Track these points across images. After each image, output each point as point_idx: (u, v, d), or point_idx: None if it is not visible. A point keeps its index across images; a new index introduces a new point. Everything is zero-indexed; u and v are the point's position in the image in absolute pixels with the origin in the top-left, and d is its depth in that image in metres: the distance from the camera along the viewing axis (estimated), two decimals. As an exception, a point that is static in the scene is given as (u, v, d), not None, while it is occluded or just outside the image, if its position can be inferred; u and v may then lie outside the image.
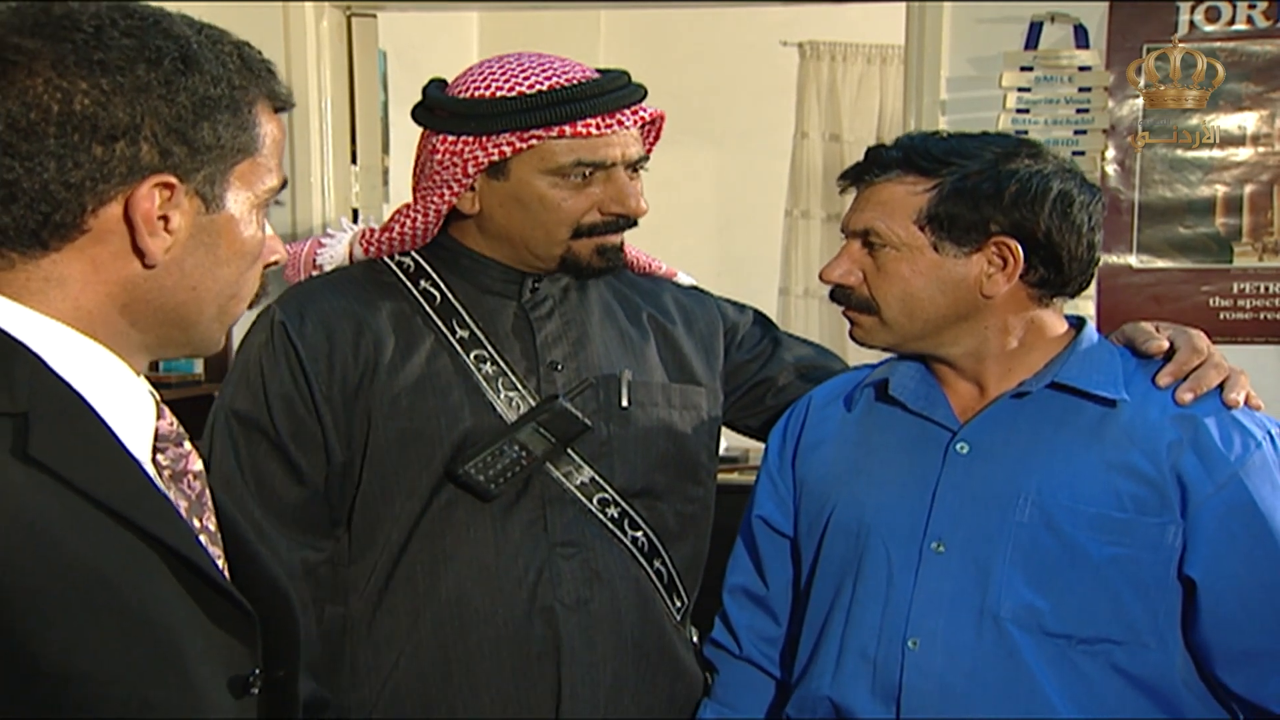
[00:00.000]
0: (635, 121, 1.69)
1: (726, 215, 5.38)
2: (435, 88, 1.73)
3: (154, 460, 1.05)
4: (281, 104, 1.07)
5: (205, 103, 0.99)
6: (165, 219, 0.99)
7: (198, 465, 1.09)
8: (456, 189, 1.69)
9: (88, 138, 0.95)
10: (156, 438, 1.05)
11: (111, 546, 0.95)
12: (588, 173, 1.66)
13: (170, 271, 1.01)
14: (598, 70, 1.70)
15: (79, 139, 0.95)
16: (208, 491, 1.10)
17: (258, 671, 1.07)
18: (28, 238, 0.97)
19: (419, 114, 1.72)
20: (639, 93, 1.70)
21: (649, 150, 1.78)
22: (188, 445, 1.09)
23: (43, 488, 0.93)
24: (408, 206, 1.75)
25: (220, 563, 1.08)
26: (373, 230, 1.79)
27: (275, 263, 1.11)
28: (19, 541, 0.90)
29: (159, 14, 1.01)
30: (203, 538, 1.07)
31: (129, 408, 1.02)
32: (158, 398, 1.07)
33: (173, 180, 0.98)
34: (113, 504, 0.96)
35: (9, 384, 0.95)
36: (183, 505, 1.06)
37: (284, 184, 1.09)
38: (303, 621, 1.14)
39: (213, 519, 1.10)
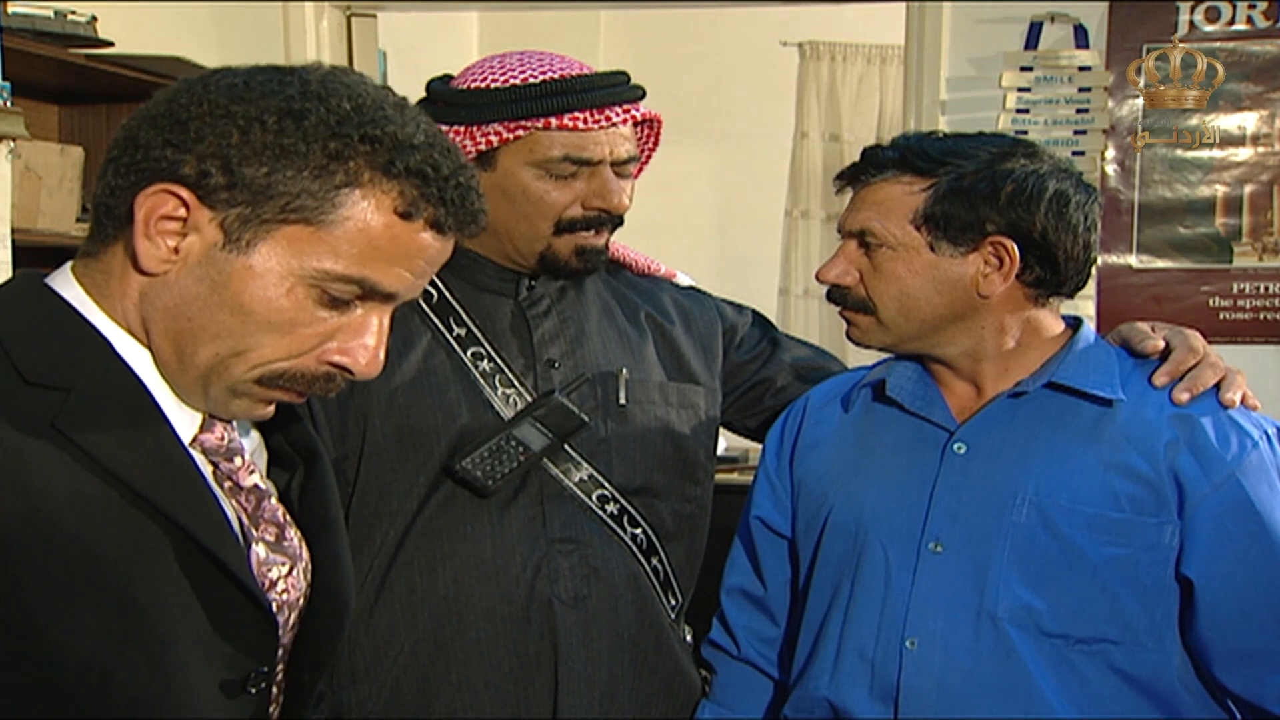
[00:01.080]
0: (625, 120, 1.69)
1: (726, 215, 5.39)
2: (439, 82, 1.74)
3: (214, 472, 1.08)
4: (410, 211, 1.01)
5: (275, 149, 0.98)
6: (181, 236, 1.00)
7: (251, 480, 1.10)
8: None
9: (163, 138, 0.99)
10: (205, 450, 1.08)
11: (114, 524, 0.98)
12: (574, 169, 1.66)
13: (172, 291, 1.01)
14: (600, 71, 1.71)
15: (154, 136, 1.00)
16: (269, 503, 1.11)
17: (262, 671, 1.07)
18: (101, 222, 1.03)
19: (421, 106, 1.73)
20: (632, 92, 1.70)
21: (648, 156, 1.78)
22: (239, 460, 1.10)
23: (57, 460, 0.96)
24: None
25: (284, 569, 1.10)
26: None
27: (345, 369, 1.05)
28: (10, 503, 0.93)
29: (346, 83, 1.02)
30: (259, 547, 1.09)
31: (175, 401, 1.06)
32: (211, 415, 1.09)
33: (187, 196, 0.99)
34: (133, 483, 0.98)
35: (62, 360, 0.99)
36: (242, 515, 1.09)
37: (389, 297, 1.03)
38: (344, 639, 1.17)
39: (274, 530, 1.11)
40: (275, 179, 0.98)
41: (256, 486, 1.11)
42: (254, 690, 1.07)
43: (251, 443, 1.15)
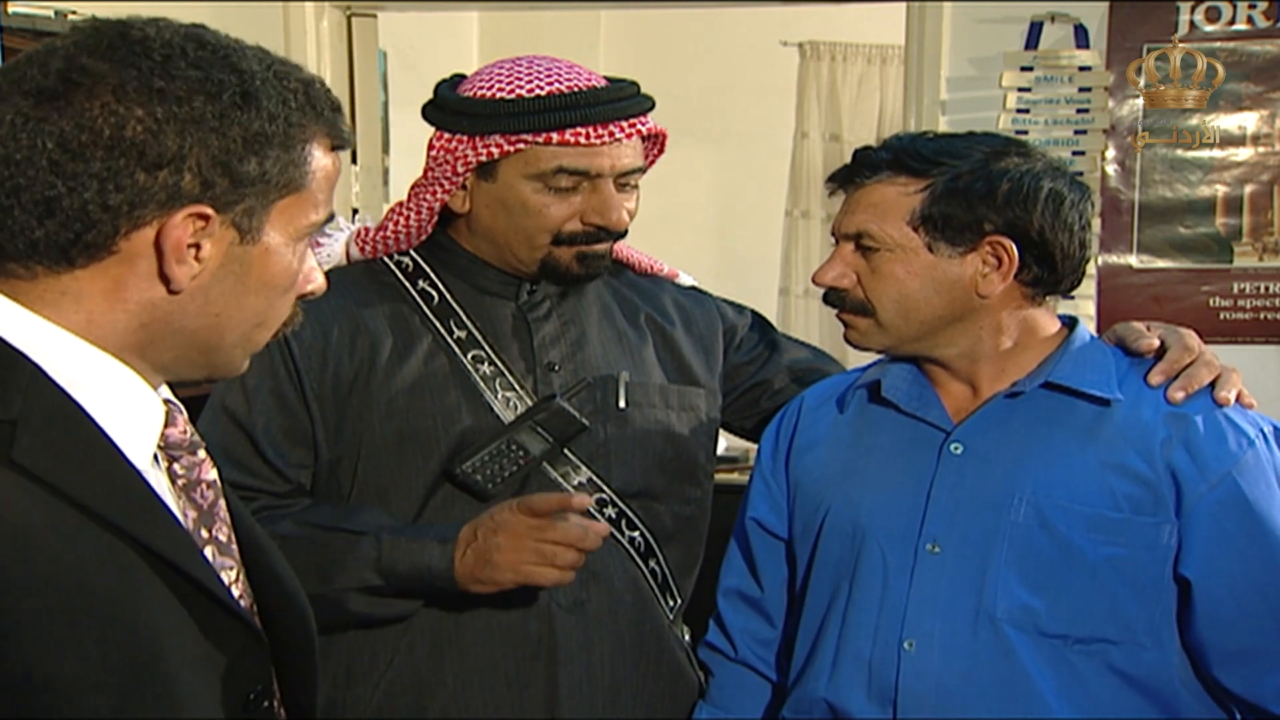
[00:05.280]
0: (630, 135, 1.66)
1: (726, 215, 5.38)
2: (447, 86, 1.72)
3: (169, 470, 1.05)
4: (340, 143, 1.08)
5: (257, 138, 0.99)
6: (196, 247, 0.99)
7: (211, 474, 1.09)
8: (448, 187, 1.69)
9: (133, 164, 0.96)
10: (167, 445, 1.05)
11: (95, 552, 0.95)
12: (573, 182, 1.64)
13: (194, 298, 1.01)
14: (608, 79, 1.68)
15: (124, 164, 0.96)
16: (222, 502, 1.10)
17: (261, 689, 1.05)
18: (56, 253, 0.98)
19: (427, 110, 1.72)
20: (638, 105, 1.67)
21: (651, 163, 1.76)
22: (202, 454, 1.09)
23: (26, 493, 0.93)
24: (401, 205, 1.75)
25: (232, 574, 1.08)
26: (367, 229, 1.79)
27: (311, 293, 1.11)
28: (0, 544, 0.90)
29: (231, 46, 1.02)
30: (209, 549, 1.06)
31: (130, 415, 1.02)
32: (176, 405, 1.07)
33: (209, 211, 0.98)
34: (99, 509, 0.96)
35: (2, 393, 0.95)
36: (191, 515, 1.06)
37: (330, 218, 1.09)
38: (319, 645, 1.13)
39: (225, 530, 1.09)
40: (266, 166, 1.00)
41: (215, 482, 1.09)
42: (260, 710, 1.05)
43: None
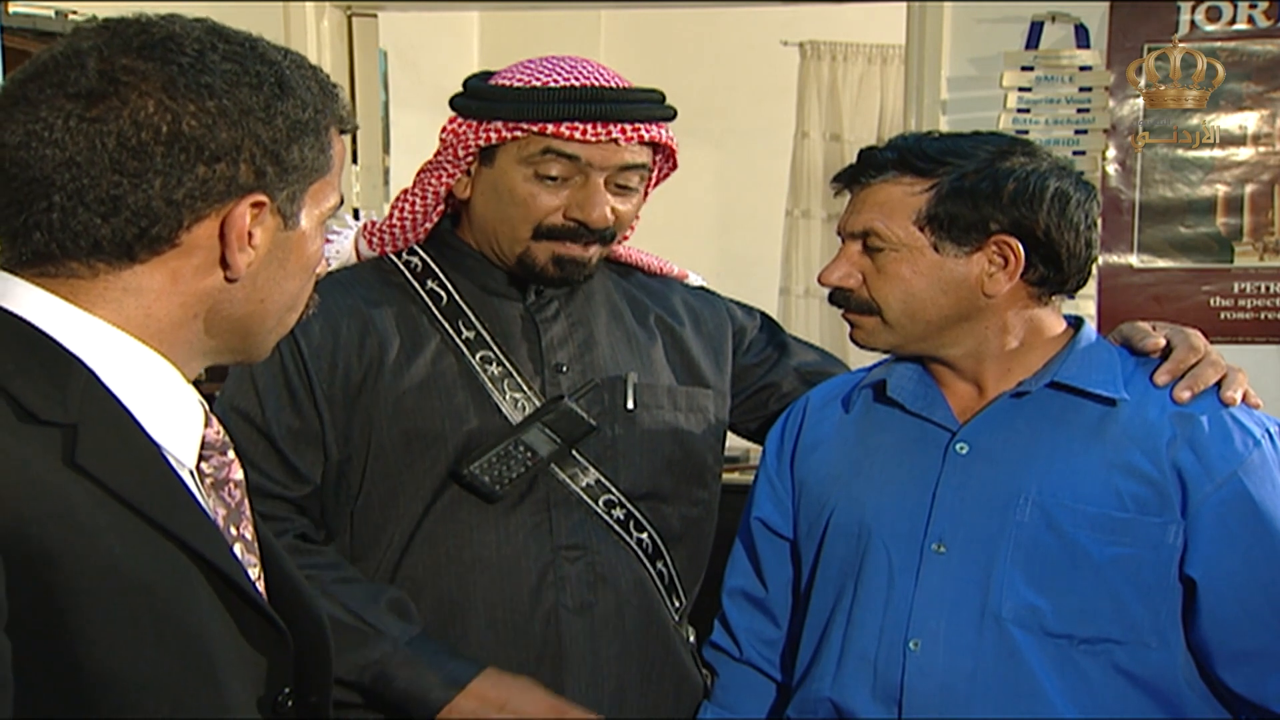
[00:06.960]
0: (630, 139, 1.64)
1: (726, 215, 5.38)
2: (477, 78, 1.73)
3: (198, 468, 1.07)
4: (347, 127, 1.11)
5: (296, 126, 1.03)
6: (250, 235, 1.03)
7: (239, 474, 1.11)
8: (451, 171, 1.70)
9: (193, 158, 0.99)
10: (203, 445, 1.08)
11: (153, 555, 0.97)
12: (562, 170, 1.63)
13: (244, 284, 1.05)
14: (633, 86, 1.67)
15: (185, 159, 0.99)
16: (247, 501, 1.12)
17: (288, 690, 1.07)
18: (120, 250, 1.00)
19: (454, 97, 1.72)
20: (645, 110, 1.65)
21: (663, 176, 1.76)
22: (231, 454, 1.11)
23: (90, 496, 0.95)
24: (406, 191, 1.75)
25: (255, 572, 1.10)
26: (374, 222, 1.79)
27: (318, 274, 1.15)
28: (71, 543, 0.92)
29: (252, 40, 1.05)
30: (238, 547, 1.08)
31: (178, 418, 1.05)
32: (206, 407, 1.09)
33: (264, 199, 1.02)
34: (152, 514, 0.98)
35: (63, 396, 0.97)
36: (221, 514, 1.08)
37: (341, 201, 1.13)
38: (333, 645, 1.15)
39: (249, 528, 1.12)
40: (305, 153, 1.04)
41: (242, 481, 1.12)
42: (286, 709, 1.07)
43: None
